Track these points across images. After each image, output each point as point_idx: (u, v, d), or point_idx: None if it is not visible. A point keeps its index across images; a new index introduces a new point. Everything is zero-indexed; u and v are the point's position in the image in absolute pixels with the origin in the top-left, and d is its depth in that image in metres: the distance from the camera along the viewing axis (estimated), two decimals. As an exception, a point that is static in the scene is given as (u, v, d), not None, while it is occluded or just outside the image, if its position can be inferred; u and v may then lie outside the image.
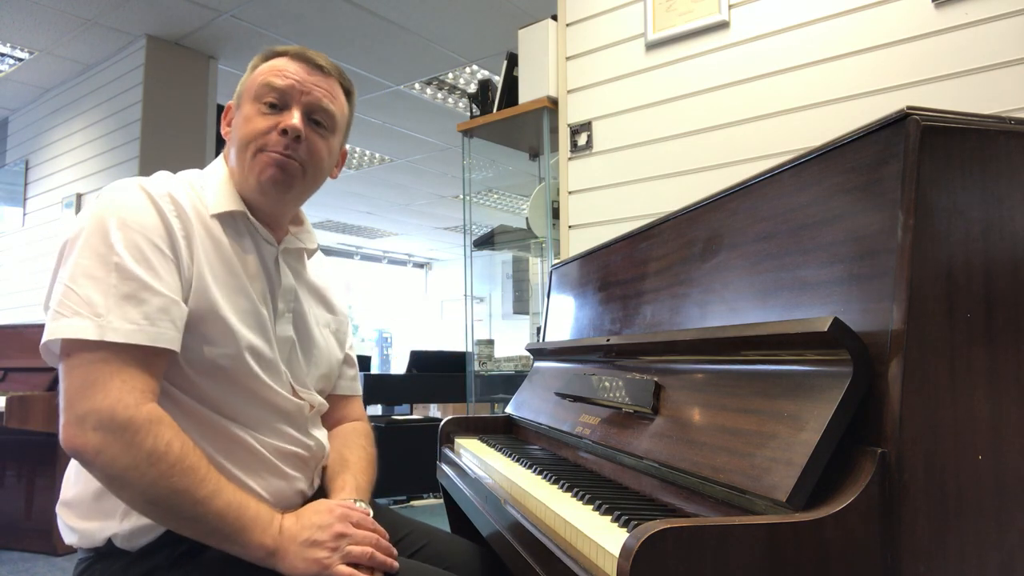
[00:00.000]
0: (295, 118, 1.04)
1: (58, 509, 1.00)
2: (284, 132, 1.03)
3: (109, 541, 0.95)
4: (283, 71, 1.06)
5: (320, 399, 1.16)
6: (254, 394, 1.02)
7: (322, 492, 1.17)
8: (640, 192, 2.26)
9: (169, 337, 0.93)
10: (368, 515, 1.00)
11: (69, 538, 0.99)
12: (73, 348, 0.90)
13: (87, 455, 0.87)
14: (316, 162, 1.08)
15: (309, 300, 1.18)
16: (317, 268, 1.24)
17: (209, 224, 1.02)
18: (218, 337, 0.98)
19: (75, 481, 0.99)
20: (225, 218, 1.04)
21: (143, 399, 0.88)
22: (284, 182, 1.05)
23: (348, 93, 1.15)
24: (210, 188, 1.06)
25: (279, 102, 1.05)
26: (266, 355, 1.04)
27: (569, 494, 0.97)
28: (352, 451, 1.19)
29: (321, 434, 1.16)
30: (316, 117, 1.08)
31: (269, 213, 1.10)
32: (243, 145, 1.05)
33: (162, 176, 1.05)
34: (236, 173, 1.07)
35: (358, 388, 1.32)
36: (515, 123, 2.75)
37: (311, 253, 1.20)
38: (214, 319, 0.98)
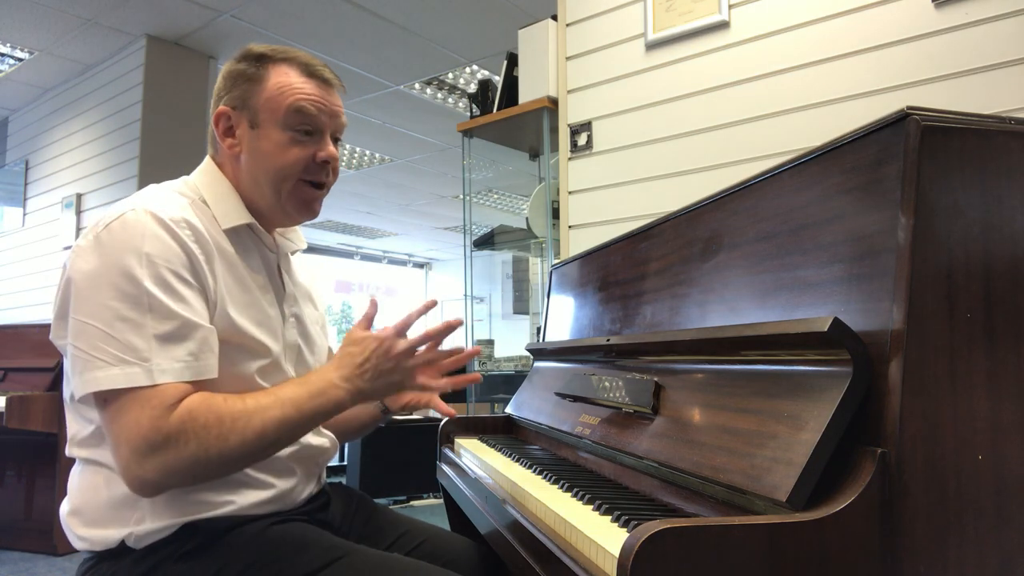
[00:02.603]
0: (331, 146, 1.08)
1: (66, 518, 0.99)
2: (325, 162, 1.07)
3: (122, 543, 0.94)
4: (309, 96, 1.06)
5: None
6: None
7: (325, 492, 1.17)
8: (640, 192, 2.26)
9: (213, 367, 0.94)
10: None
11: (79, 544, 0.97)
12: (110, 393, 0.88)
13: (160, 486, 0.88)
14: (335, 177, 1.13)
15: (303, 300, 1.19)
16: (299, 266, 1.25)
17: (221, 242, 1.02)
18: (241, 355, 1.00)
19: (81, 489, 0.98)
20: (232, 233, 1.05)
21: (170, 411, 0.88)
22: (316, 212, 1.11)
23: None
24: (215, 202, 1.05)
25: (312, 128, 1.06)
26: (280, 364, 1.06)
27: (569, 494, 0.97)
28: None
29: (327, 434, 1.18)
30: (337, 136, 1.11)
31: (271, 222, 1.12)
32: (280, 176, 1.05)
33: (162, 195, 1.02)
34: (262, 195, 1.07)
35: None
36: (515, 123, 2.75)
37: (295, 253, 1.22)
38: (239, 338, 0.99)
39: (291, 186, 1.06)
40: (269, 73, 1.06)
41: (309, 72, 1.07)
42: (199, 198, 1.05)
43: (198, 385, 0.92)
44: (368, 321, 1.05)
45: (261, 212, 1.09)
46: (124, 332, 0.89)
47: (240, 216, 1.06)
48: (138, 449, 0.86)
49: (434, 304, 1.10)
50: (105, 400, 0.89)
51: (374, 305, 1.08)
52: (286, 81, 1.05)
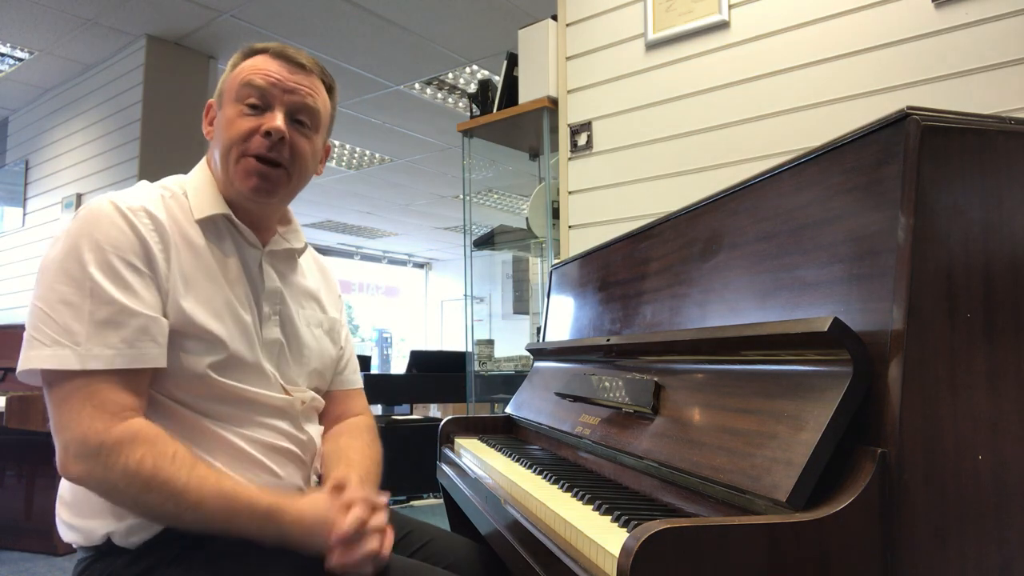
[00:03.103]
0: (278, 119, 1.03)
1: (57, 507, 1.01)
2: (267, 134, 1.03)
3: (108, 539, 0.95)
4: (264, 70, 1.05)
5: (312, 394, 1.16)
6: (239, 396, 1.02)
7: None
8: (640, 192, 2.26)
9: (151, 356, 0.93)
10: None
11: (67, 536, 0.99)
12: (55, 378, 0.90)
13: (78, 481, 0.90)
14: (300, 163, 1.08)
15: (299, 301, 1.16)
16: (309, 268, 1.23)
17: (188, 232, 1.01)
18: (197, 347, 0.98)
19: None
20: (207, 223, 1.04)
21: (114, 420, 0.89)
22: (267, 190, 1.05)
23: (330, 89, 1.14)
24: (193, 193, 1.05)
25: (261, 102, 1.04)
26: (248, 360, 1.03)
27: (569, 494, 0.97)
28: (356, 449, 1.17)
29: (313, 429, 1.15)
30: (299, 117, 1.07)
31: (255, 215, 1.10)
32: (226, 149, 1.04)
33: (138, 188, 1.03)
34: (219, 176, 1.07)
35: (358, 381, 1.30)
36: (515, 123, 2.75)
37: (299, 252, 1.19)
38: (193, 330, 0.98)
39: (235, 157, 1.03)
40: (245, 60, 1.08)
41: (275, 54, 1.07)
42: (181, 191, 1.05)
43: (137, 379, 0.92)
44: (356, 529, 0.92)
45: (232, 200, 1.07)
46: (63, 315, 0.90)
47: (213, 207, 1.04)
48: (74, 442, 0.88)
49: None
50: (50, 383, 0.91)
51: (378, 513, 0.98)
52: (251, 63, 1.07)
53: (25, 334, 0.92)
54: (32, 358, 0.90)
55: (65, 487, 1.00)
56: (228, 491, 0.90)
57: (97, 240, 0.93)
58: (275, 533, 0.91)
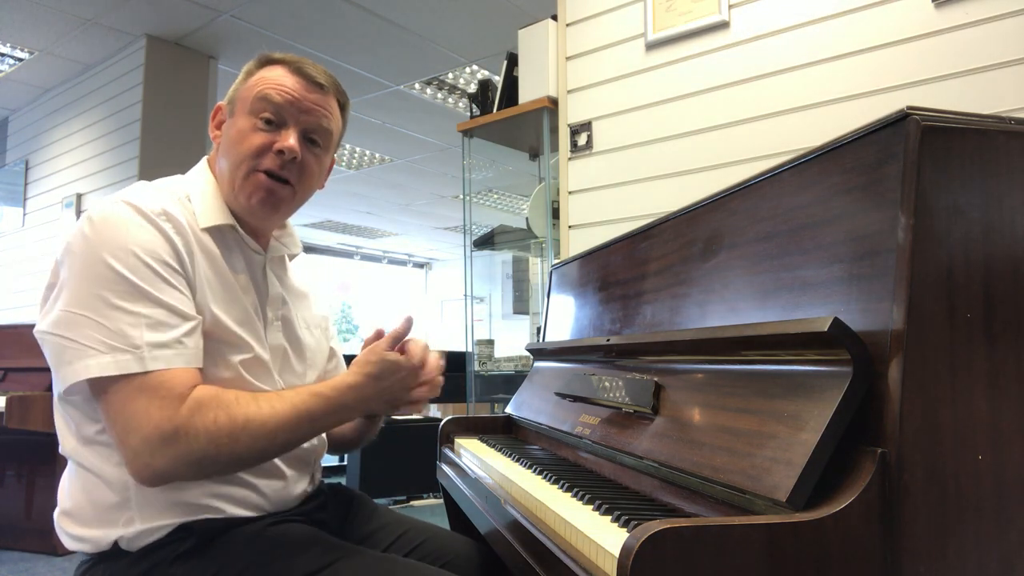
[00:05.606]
0: (292, 139, 1.03)
1: (57, 518, 0.99)
2: (280, 152, 1.03)
3: (115, 544, 0.94)
4: (281, 86, 1.04)
5: None
6: None
7: (323, 492, 1.17)
8: (640, 192, 2.26)
9: (201, 355, 0.95)
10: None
11: (72, 545, 0.97)
12: (112, 384, 0.89)
13: (170, 473, 0.89)
14: (308, 182, 1.09)
15: (295, 303, 1.17)
16: (300, 269, 1.24)
17: (202, 237, 1.02)
18: (221, 350, 0.99)
19: (71, 491, 0.98)
20: (214, 231, 1.04)
21: (180, 401, 0.89)
22: (273, 205, 1.06)
23: (343, 107, 1.14)
24: (198, 200, 1.04)
25: (276, 118, 1.04)
26: (263, 364, 1.04)
27: (569, 494, 0.97)
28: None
29: None
30: (312, 136, 1.07)
31: (257, 225, 1.10)
32: (236, 162, 1.04)
33: (145, 190, 1.02)
34: (225, 186, 1.06)
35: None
36: (515, 123, 2.75)
37: (294, 257, 1.21)
38: (220, 333, 0.99)
39: (245, 172, 1.03)
40: (261, 70, 1.07)
41: (294, 69, 1.06)
42: (185, 195, 1.05)
43: (195, 374, 0.93)
44: (396, 341, 1.05)
45: (238, 213, 1.07)
46: (115, 320, 0.90)
47: (219, 217, 1.04)
48: (149, 439, 0.86)
49: (411, 321, 1.08)
50: (105, 390, 0.89)
51: (408, 322, 1.07)
52: (269, 75, 1.06)
53: (69, 344, 0.89)
54: (92, 367, 0.88)
55: (65, 497, 0.99)
56: (295, 401, 0.95)
57: (131, 244, 0.93)
58: (355, 402, 0.99)
